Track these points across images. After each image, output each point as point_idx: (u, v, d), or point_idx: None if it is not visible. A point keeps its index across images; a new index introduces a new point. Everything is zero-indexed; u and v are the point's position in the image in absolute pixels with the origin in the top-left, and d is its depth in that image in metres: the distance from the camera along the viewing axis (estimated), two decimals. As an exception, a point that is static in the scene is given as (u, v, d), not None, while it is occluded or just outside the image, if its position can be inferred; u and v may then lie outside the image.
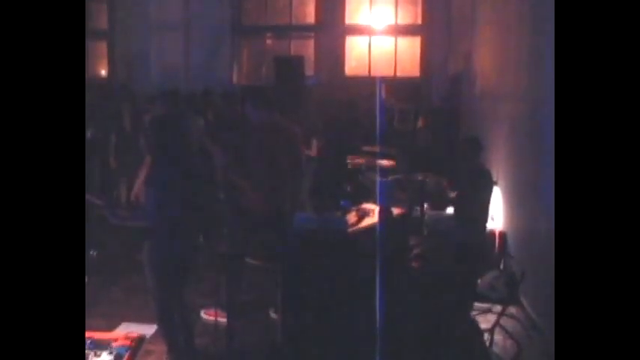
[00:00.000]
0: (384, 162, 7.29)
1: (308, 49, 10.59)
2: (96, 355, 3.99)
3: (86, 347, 4.06)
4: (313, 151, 6.39)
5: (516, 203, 5.53)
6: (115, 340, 4.22)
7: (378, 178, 5.95)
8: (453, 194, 5.71)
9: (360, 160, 7.52)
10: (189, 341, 4.03)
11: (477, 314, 4.62)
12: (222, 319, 4.31)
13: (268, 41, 11.16)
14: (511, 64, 5.95)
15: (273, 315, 4.67)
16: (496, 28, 6.74)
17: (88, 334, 4.25)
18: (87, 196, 4.09)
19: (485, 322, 4.50)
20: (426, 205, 5.40)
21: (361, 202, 4.84)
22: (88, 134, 7.09)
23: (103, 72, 11.16)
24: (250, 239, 4.61)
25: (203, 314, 4.68)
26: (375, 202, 4.74)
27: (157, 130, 3.91)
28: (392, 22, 10.32)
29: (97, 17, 10.78)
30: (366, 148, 7.86)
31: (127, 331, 4.38)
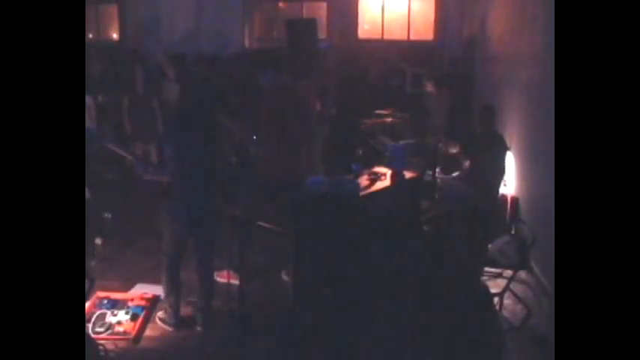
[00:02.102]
0: (397, 125, 7.27)
1: (321, 11, 10.46)
2: (113, 314, 4.09)
3: (103, 306, 4.16)
4: (325, 115, 6.37)
5: (529, 169, 5.50)
6: (131, 299, 4.32)
7: (390, 142, 5.94)
8: (465, 158, 5.69)
9: (372, 124, 7.49)
10: (205, 301, 4.11)
11: (488, 279, 4.64)
12: (235, 281, 4.38)
13: (280, 4, 11.02)
14: (526, 28, 5.84)
15: (285, 277, 4.73)
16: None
17: (104, 293, 4.35)
18: (113, 148, 4.16)
19: (495, 286, 4.53)
20: (438, 170, 5.38)
21: (373, 166, 4.84)
22: (100, 99, 7.10)
23: (115, 35, 11.12)
24: (263, 202, 4.63)
25: (216, 276, 4.74)
26: (387, 166, 4.74)
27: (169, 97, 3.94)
28: (406, -17, 10.17)
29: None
30: (379, 112, 7.82)
31: (141, 291, 4.46)
